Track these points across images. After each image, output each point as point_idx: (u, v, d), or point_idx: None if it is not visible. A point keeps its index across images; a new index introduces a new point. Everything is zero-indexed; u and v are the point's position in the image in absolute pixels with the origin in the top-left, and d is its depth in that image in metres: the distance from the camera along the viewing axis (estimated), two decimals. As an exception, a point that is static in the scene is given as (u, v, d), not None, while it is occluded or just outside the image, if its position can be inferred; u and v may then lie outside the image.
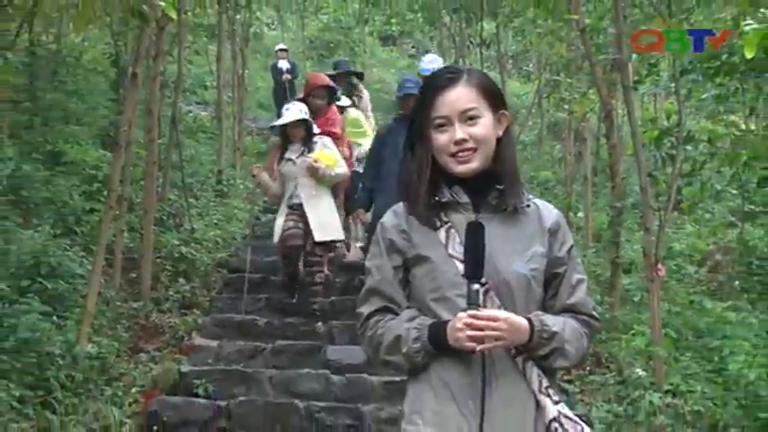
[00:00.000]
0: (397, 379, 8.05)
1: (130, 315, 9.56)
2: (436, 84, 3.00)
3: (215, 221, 13.31)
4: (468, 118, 2.95)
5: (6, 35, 8.00)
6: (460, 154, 2.95)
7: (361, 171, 9.90)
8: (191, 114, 18.74)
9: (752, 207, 13.02)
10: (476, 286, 2.84)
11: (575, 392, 8.15)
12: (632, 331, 8.81)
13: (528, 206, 3.06)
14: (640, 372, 7.89)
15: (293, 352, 8.76)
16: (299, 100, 10.16)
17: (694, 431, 7.18)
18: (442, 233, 2.99)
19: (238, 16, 18.41)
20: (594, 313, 3.11)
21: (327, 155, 9.23)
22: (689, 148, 9.74)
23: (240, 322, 9.41)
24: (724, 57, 8.54)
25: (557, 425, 2.88)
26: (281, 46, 21.96)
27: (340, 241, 9.78)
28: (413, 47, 31.55)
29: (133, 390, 8.01)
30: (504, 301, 2.91)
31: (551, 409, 2.89)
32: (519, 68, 25.21)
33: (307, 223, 9.10)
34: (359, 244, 10.66)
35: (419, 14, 25.83)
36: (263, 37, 27.93)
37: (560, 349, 2.92)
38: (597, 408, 7.65)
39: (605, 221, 12.04)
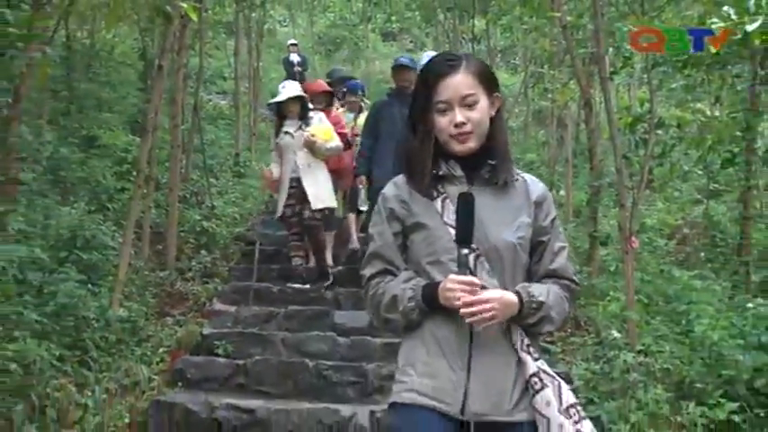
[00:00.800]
0: (397, 340, 8.04)
1: (157, 283, 9.57)
2: (438, 70, 3.00)
3: (233, 199, 13.30)
4: (467, 103, 2.96)
5: (45, 32, 7.96)
6: (459, 135, 2.97)
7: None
8: (211, 103, 18.73)
9: (716, 186, 13.01)
10: (465, 251, 2.88)
11: (556, 352, 8.16)
12: (608, 297, 8.81)
13: (516, 180, 3.09)
14: (616, 334, 7.88)
15: (303, 316, 8.76)
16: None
17: (664, 386, 7.18)
18: (438, 203, 3.02)
19: (254, 14, 18.34)
20: (575, 278, 3.15)
21: (323, 129, 9.26)
22: (660, 132, 9.69)
23: (256, 290, 9.41)
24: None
25: (536, 379, 2.92)
26: (293, 41, 21.90)
27: (334, 209, 9.70)
28: (411, 42, 31.43)
29: (160, 350, 8.03)
30: (494, 265, 2.96)
31: (531, 365, 2.92)
32: (507, 61, 25.09)
33: (302, 200, 9.12)
34: (364, 207, 10.58)
35: (416, 13, 25.75)
36: (276, 33, 27.83)
37: (547, 317, 2.96)
38: (577, 366, 7.65)
39: (584, 199, 12.00)
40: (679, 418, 6.90)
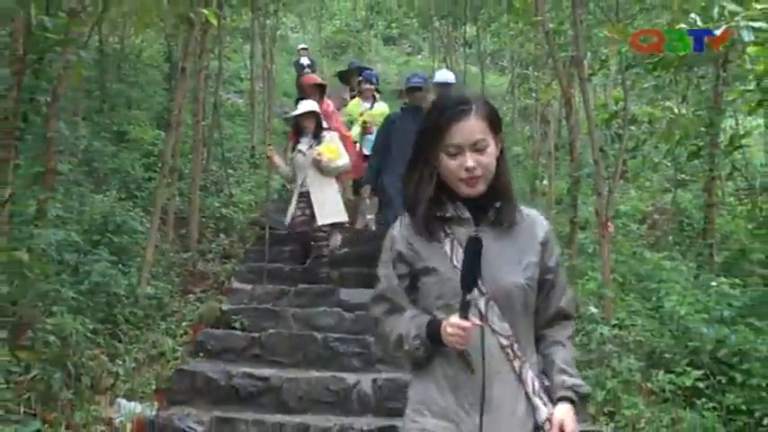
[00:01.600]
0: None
1: (181, 263, 9.56)
2: (450, 114, 2.75)
3: (249, 188, 13.26)
4: (478, 148, 2.74)
5: (80, 37, 7.95)
6: (470, 180, 2.75)
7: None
8: (229, 101, 18.64)
9: (683, 176, 13.01)
10: (470, 296, 2.65)
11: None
12: (587, 277, 8.81)
13: (522, 219, 2.89)
14: (593, 309, 7.88)
15: (312, 294, 8.75)
16: (299, 99, 10.30)
17: (636, 357, 7.19)
18: (446, 245, 2.80)
19: (268, 21, 18.24)
20: (573, 314, 3.00)
21: (331, 148, 9.05)
22: (633, 128, 9.72)
23: (269, 269, 9.40)
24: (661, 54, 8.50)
25: (549, 425, 2.73)
26: (303, 45, 21.82)
27: (343, 222, 9.50)
28: (409, 46, 31.29)
29: (183, 324, 8.04)
30: (503, 309, 2.75)
31: (543, 411, 2.74)
32: (495, 64, 24.98)
33: (311, 216, 8.95)
34: (369, 216, 10.50)
35: (414, 20, 25.78)
36: (288, 38, 27.71)
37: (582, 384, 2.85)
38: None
39: (565, 188, 11.96)
40: (649, 385, 6.94)
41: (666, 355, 7.35)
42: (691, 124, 9.07)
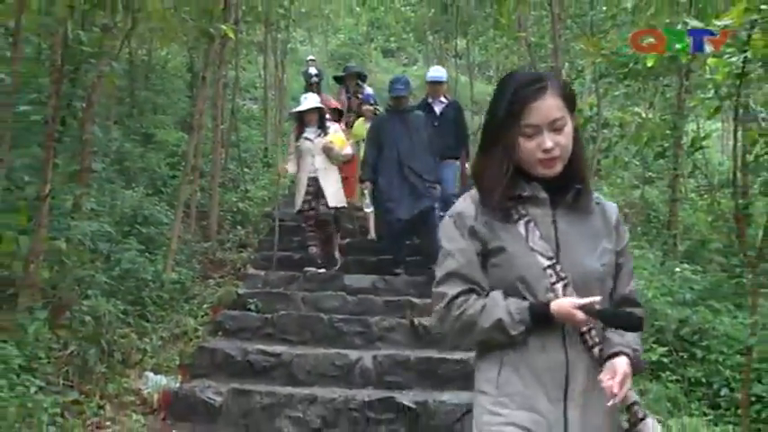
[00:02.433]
0: (396, 299, 8.11)
1: (202, 252, 9.56)
2: (525, 94, 2.37)
3: (262, 185, 13.25)
4: (556, 127, 2.38)
5: (112, 50, 7.97)
6: (548, 161, 2.39)
7: None
8: (245, 107, 18.62)
9: (650, 174, 13.00)
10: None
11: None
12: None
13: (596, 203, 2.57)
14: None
15: (319, 279, 8.75)
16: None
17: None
18: (521, 226, 2.43)
19: (279, 36, 18.21)
20: (639, 300, 2.63)
21: (339, 137, 9.12)
22: (605, 131, 9.73)
23: (280, 257, 9.40)
24: (631, 65, 8.51)
25: (637, 407, 2.46)
26: (311, 57, 21.65)
27: (344, 207, 9.41)
28: (406, 58, 31.18)
29: (204, 306, 8.04)
30: (581, 295, 2.36)
31: (630, 395, 2.44)
32: (483, 74, 24.91)
33: (318, 196, 8.88)
34: (368, 210, 10.48)
35: (411, 34, 25.80)
36: (297, 50, 27.61)
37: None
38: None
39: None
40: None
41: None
42: (657, 128, 9.05)
